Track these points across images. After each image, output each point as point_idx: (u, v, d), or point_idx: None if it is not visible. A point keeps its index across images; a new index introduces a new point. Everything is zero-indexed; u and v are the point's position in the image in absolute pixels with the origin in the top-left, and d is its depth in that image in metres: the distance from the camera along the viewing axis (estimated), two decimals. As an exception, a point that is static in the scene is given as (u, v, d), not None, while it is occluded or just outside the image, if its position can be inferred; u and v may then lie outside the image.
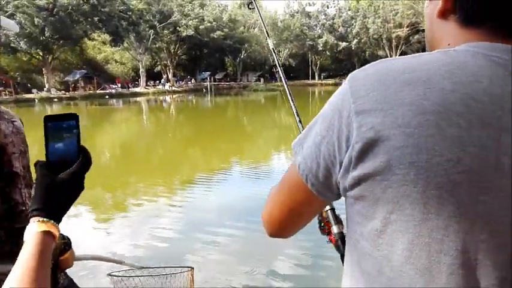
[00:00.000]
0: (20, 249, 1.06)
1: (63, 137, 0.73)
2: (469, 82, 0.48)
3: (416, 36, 50.45)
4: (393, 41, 51.28)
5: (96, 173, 9.53)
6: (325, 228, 1.13)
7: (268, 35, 2.03)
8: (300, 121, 1.68)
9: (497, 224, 0.47)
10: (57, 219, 0.70)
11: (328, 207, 1.14)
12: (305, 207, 0.65)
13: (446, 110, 0.47)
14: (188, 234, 5.04)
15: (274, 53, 2.00)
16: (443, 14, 0.57)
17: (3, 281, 1.11)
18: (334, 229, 1.12)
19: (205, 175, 8.59)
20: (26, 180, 1.10)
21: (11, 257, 1.10)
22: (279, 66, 1.86)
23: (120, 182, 8.54)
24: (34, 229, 0.66)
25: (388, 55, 49.85)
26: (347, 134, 0.52)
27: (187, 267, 1.82)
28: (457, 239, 0.47)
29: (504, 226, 0.47)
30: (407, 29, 49.16)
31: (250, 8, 2.20)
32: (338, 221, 1.13)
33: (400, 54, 37.52)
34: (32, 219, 0.68)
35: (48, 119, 0.73)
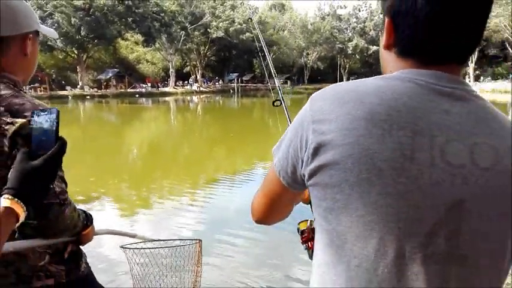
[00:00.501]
0: (48, 223, 1.17)
1: (44, 128, 0.84)
2: (393, 98, 0.66)
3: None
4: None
5: (121, 169, 9.82)
6: (304, 237, 1.24)
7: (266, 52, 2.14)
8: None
9: (414, 201, 0.63)
10: (26, 199, 0.79)
11: (309, 224, 1.26)
12: (280, 196, 0.84)
13: (373, 117, 0.64)
14: (208, 234, 5.11)
15: (268, 55, 2.08)
16: (387, 47, 0.76)
17: (34, 250, 1.21)
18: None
19: (229, 176, 8.68)
20: None
21: (41, 230, 1.18)
22: (275, 76, 1.95)
23: (146, 178, 8.75)
24: (1, 204, 0.76)
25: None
26: (306, 138, 0.69)
27: (196, 239, 1.89)
28: (383, 212, 0.63)
29: (420, 202, 0.63)
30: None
31: (249, 20, 2.32)
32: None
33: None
34: (2, 196, 0.77)
35: (34, 113, 0.85)
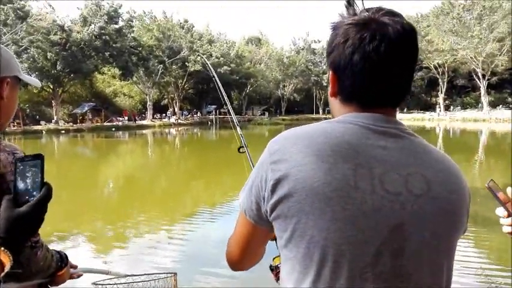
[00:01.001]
0: (20, 267, 1.13)
1: (29, 174, 0.84)
2: (336, 137, 0.77)
3: (419, 73, 51.23)
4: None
5: (98, 204, 9.57)
6: (278, 273, 1.34)
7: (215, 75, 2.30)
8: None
9: (360, 225, 0.71)
10: (13, 246, 0.78)
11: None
12: (251, 237, 0.89)
13: (321, 153, 0.74)
14: (185, 269, 5.00)
15: (221, 91, 2.21)
16: (333, 95, 0.87)
17: None
18: None
19: (207, 208, 8.59)
20: None
21: (13, 275, 1.16)
22: (229, 104, 2.06)
23: (121, 213, 8.55)
24: None
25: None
26: (265, 177, 0.78)
27: (171, 272, 1.85)
28: (335, 236, 0.71)
29: (365, 226, 0.72)
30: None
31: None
32: None
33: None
34: None
35: (17, 159, 0.86)
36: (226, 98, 2.21)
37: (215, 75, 2.27)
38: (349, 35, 0.78)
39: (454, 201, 0.78)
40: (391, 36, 0.76)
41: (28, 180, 0.84)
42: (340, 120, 0.82)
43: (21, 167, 0.85)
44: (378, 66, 0.77)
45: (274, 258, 1.35)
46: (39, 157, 0.86)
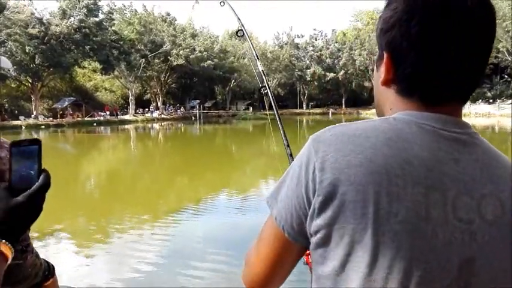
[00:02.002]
0: (8, 270, 1.12)
1: (25, 161, 0.76)
2: (404, 149, 0.61)
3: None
4: (379, 72, 52.48)
5: (80, 201, 9.44)
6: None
7: (258, 58, 2.23)
8: (291, 154, 1.86)
9: (428, 263, 0.59)
10: (12, 239, 0.73)
11: None
12: (285, 255, 0.72)
13: (388, 172, 0.59)
14: (170, 266, 5.01)
15: (264, 75, 2.18)
16: (386, 83, 0.71)
17: None
18: None
19: (191, 204, 8.57)
20: None
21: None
22: (270, 93, 2.02)
23: (104, 209, 8.46)
24: None
25: (374, 86, 50.71)
26: (313, 188, 0.63)
27: None
28: (398, 276, 0.58)
29: (434, 263, 0.59)
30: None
31: (238, 36, 2.40)
32: None
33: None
34: None
35: (12, 144, 0.77)
36: (268, 85, 2.16)
37: (258, 62, 2.23)
38: (415, 11, 0.64)
39: None
40: (472, 13, 0.63)
41: (24, 168, 0.76)
42: (403, 119, 0.66)
43: (17, 154, 0.77)
44: (453, 50, 0.63)
45: None
46: (36, 142, 0.78)
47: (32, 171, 0.77)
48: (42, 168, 0.78)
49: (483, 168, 0.64)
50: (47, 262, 1.31)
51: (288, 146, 1.93)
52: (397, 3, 0.67)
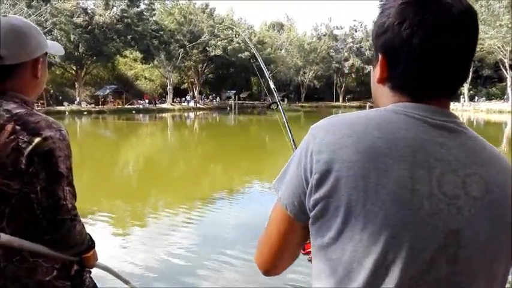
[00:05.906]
0: (61, 237, 1.20)
1: None
2: (391, 132, 0.70)
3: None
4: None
5: (117, 186, 9.77)
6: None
7: (270, 78, 2.25)
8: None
9: (415, 230, 0.66)
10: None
11: None
12: (290, 235, 0.79)
13: (375, 151, 0.68)
14: (203, 252, 5.07)
15: (266, 70, 2.19)
16: (381, 81, 0.79)
17: (42, 264, 1.22)
18: None
19: (225, 192, 8.66)
20: (68, 180, 1.24)
21: (53, 244, 1.22)
22: (275, 91, 2.02)
23: (141, 195, 8.71)
24: None
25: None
26: (310, 168, 0.71)
27: None
28: (387, 242, 0.66)
29: (421, 231, 0.66)
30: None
31: (252, 62, 2.43)
32: None
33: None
34: None
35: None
36: (272, 85, 2.20)
37: (257, 54, 2.22)
38: (406, 16, 0.72)
39: None
40: (456, 17, 0.70)
41: None
42: (393, 109, 0.74)
43: None
44: (440, 51, 0.71)
45: None
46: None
47: None
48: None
49: (468, 152, 0.71)
50: (88, 234, 1.39)
51: (294, 144, 1.94)
52: (390, 10, 0.74)
